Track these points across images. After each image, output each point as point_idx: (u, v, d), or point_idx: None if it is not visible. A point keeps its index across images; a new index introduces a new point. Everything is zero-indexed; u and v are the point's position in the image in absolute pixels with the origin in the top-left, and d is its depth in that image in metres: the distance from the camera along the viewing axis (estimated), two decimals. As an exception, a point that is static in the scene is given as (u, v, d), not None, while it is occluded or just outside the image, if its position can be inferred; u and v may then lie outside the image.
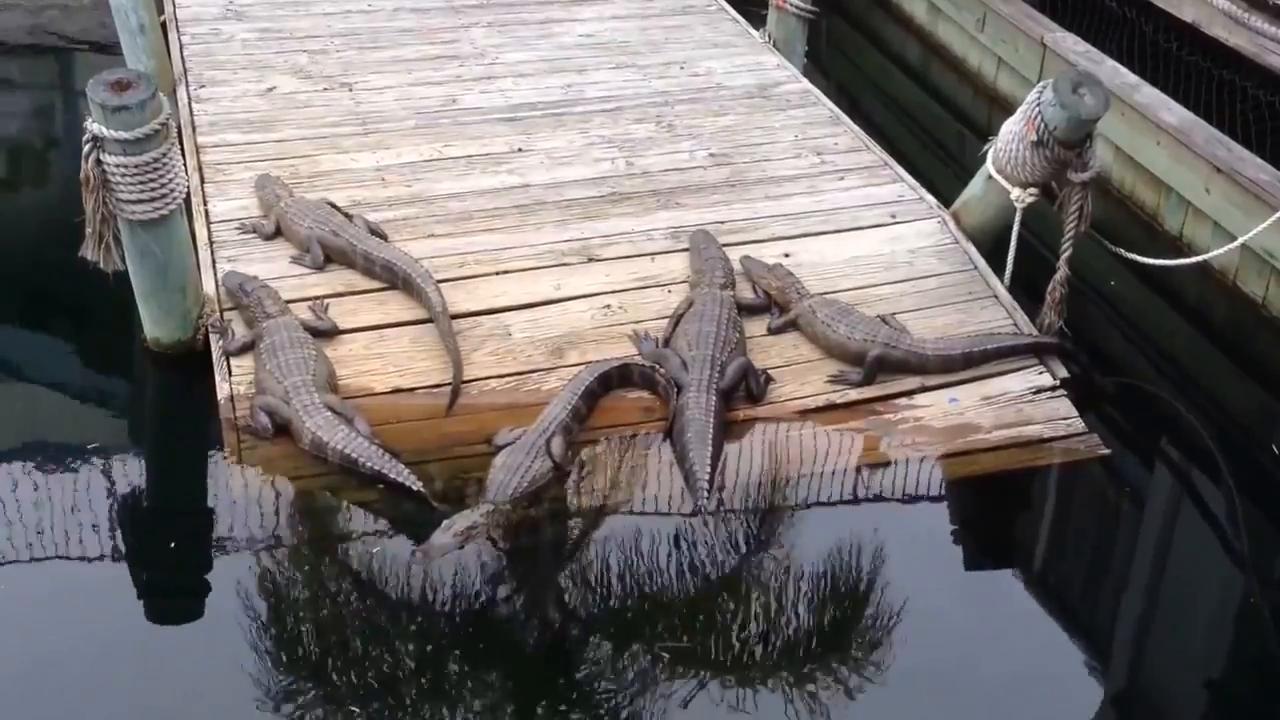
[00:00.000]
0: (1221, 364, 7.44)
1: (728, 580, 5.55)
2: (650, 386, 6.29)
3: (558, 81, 9.02)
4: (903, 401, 6.37)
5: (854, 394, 6.36)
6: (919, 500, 6.04)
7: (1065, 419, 6.33)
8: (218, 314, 6.50)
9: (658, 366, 6.27)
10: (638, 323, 6.69)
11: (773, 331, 6.70)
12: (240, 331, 6.39)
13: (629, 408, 6.25)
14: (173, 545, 5.72)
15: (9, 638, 5.14)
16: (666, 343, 6.44)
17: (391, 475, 5.65)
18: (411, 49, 9.40)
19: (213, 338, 6.39)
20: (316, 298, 6.66)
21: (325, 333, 6.41)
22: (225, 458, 5.88)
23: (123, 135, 5.81)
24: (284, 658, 5.09)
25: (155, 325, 6.48)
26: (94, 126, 5.82)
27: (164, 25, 9.30)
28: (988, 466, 6.11)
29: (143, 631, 5.30)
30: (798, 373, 6.48)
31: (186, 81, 8.74)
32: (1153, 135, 8.18)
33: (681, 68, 9.33)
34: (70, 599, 5.36)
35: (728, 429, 6.07)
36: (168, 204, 6.07)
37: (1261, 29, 7.94)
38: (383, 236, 7.04)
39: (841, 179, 8.00)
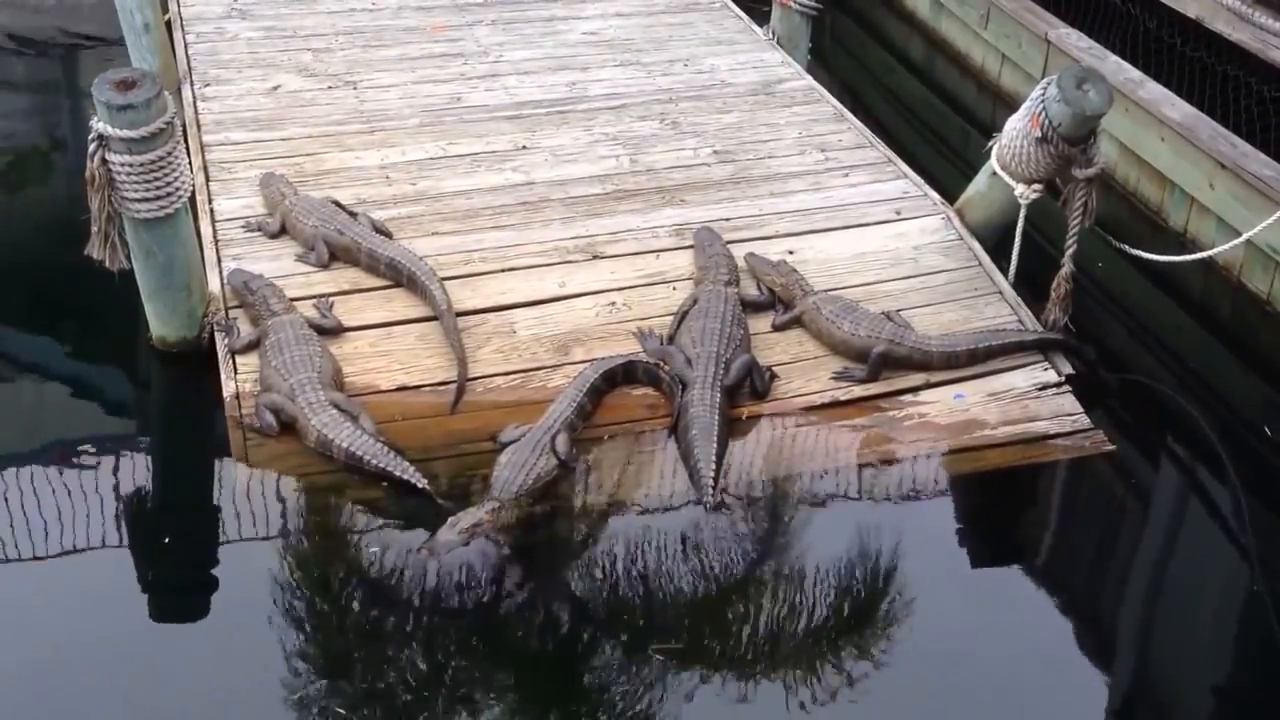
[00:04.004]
0: (1226, 359, 7.44)
1: (733, 576, 5.56)
2: (655, 383, 6.30)
3: (562, 79, 9.03)
4: (908, 398, 6.38)
5: (859, 390, 6.37)
6: (924, 496, 6.04)
7: (1070, 415, 6.34)
8: (223, 312, 6.51)
9: (662, 363, 6.28)
10: (642, 320, 6.70)
11: (777, 328, 6.70)
12: (245, 329, 6.40)
13: (634, 404, 6.25)
14: (178, 543, 5.72)
15: (16, 634, 5.15)
16: (671, 339, 6.45)
17: (397, 472, 5.66)
18: (416, 47, 9.41)
19: (218, 336, 6.40)
20: (322, 295, 6.67)
21: (330, 330, 6.42)
22: (231, 455, 5.89)
23: (128, 134, 5.82)
24: (289, 655, 5.09)
25: (161, 323, 6.49)
26: (99, 125, 5.83)
27: (168, 24, 9.30)
28: (993, 462, 6.11)
29: (148, 628, 5.31)
30: (802, 369, 6.48)
31: (191, 80, 8.75)
32: (1156, 131, 8.18)
33: (685, 65, 9.34)
34: (76, 596, 5.38)
35: (732, 426, 6.07)
36: (173, 202, 6.08)
37: (1265, 24, 7.94)
38: (387, 234, 7.05)
39: (846, 175, 8.00)
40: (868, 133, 8.52)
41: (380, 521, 5.70)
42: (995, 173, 7.03)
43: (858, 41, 11.76)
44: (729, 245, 7.05)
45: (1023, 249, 7.01)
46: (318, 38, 9.48)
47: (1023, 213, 6.91)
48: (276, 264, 6.87)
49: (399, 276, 6.73)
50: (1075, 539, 6.21)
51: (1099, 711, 5.21)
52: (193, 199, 6.52)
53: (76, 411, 6.61)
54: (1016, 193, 6.87)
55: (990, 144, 7.06)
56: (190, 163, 6.40)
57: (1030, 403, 6.39)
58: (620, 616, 5.38)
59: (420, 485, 5.64)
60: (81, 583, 5.46)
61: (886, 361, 6.40)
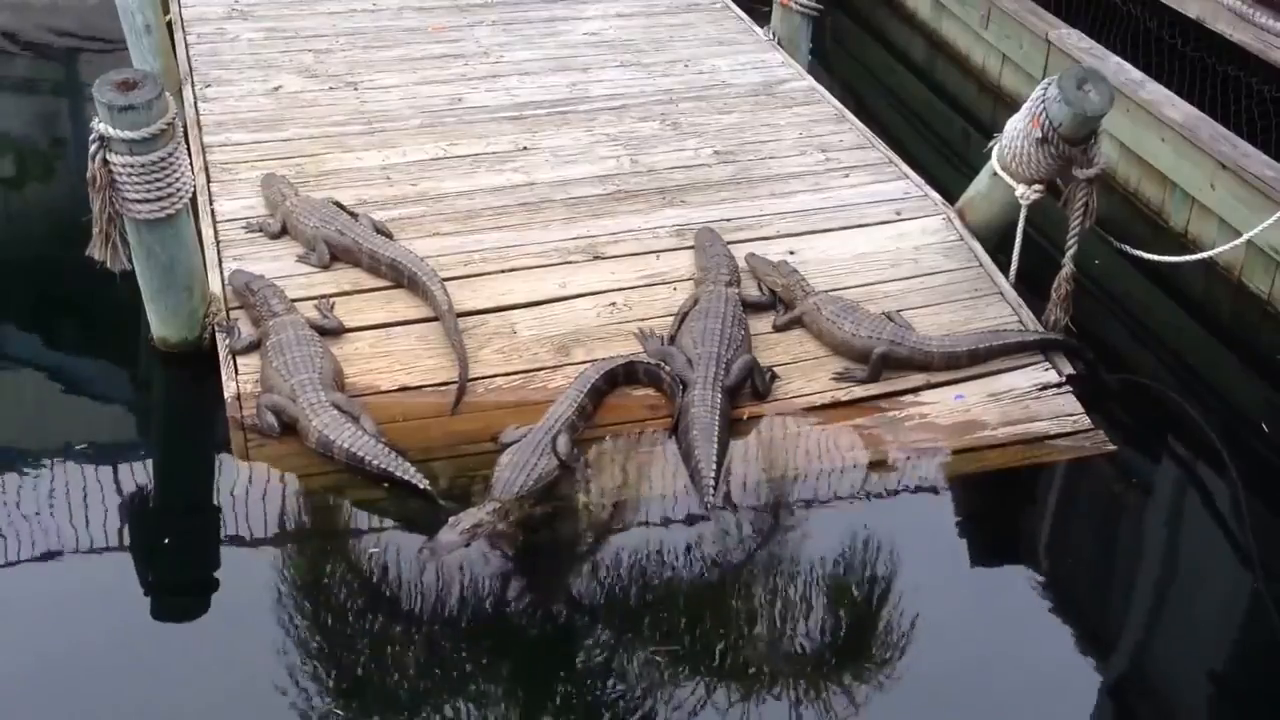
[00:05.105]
0: (1227, 360, 7.44)
1: (733, 577, 5.56)
2: (656, 384, 6.30)
3: (563, 80, 9.03)
4: (908, 399, 6.38)
5: (859, 391, 6.37)
6: (925, 497, 6.04)
7: (1071, 415, 6.34)
8: (224, 313, 6.51)
9: (663, 364, 6.28)
10: (643, 320, 6.70)
11: (778, 329, 6.71)
12: (247, 330, 6.40)
13: (634, 405, 6.25)
14: (179, 543, 5.72)
15: (17, 634, 5.16)
16: (672, 340, 6.45)
17: (398, 473, 5.66)
18: (417, 48, 9.41)
19: (219, 337, 6.40)
20: (323, 296, 6.67)
21: (331, 331, 6.43)
22: (232, 456, 5.89)
23: (129, 135, 5.83)
24: (290, 656, 5.09)
25: (162, 324, 6.49)
26: (100, 126, 5.84)
27: (169, 25, 9.31)
28: (994, 463, 6.11)
29: (149, 629, 5.31)
30: (803, 370, 6.49)
31: (192, 81, 8.75)
32: (1157, 131, 8.18)
33: (686, 65, 9.34)
34: (78, 597, 5.38)
35: (733, 426, 6.07)
36: (174, 203, 6.08)
37: (1266, 25, 7.94)
38: (388, 235, 7.05)
39: (846, 176, 8.01)
40: (868, 133, 8.52)
41: (381, 522, 5.70)
42: (996, 173, 7.03)
43: (859, 42, 11.76)
44: (730, 246, 7.05)
45: (1023, 249, 7.01)
46: (319, 38, 9.48)
47: (1023, 213, 6.91)
48: (277, 265, 6.87)
49: (400, 277, 6.73)
50: (1076, 539, 6.21)
51: (1101, 712, 5.21)
52: (194, 200, 6.52)
53: (78, 413, 6.61)
54: (1017, 193, 6.87)
55: (991, 144, 7.06)
56: (191, 164, 6.40)
57: (1031, 403, 6.39)
58: (620, 617, 5.38)
59: (421, 486, 5.64)
60: (83, 583, 5.46)
61: (887, 362, 6.40)
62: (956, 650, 5.25)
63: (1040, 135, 6.59)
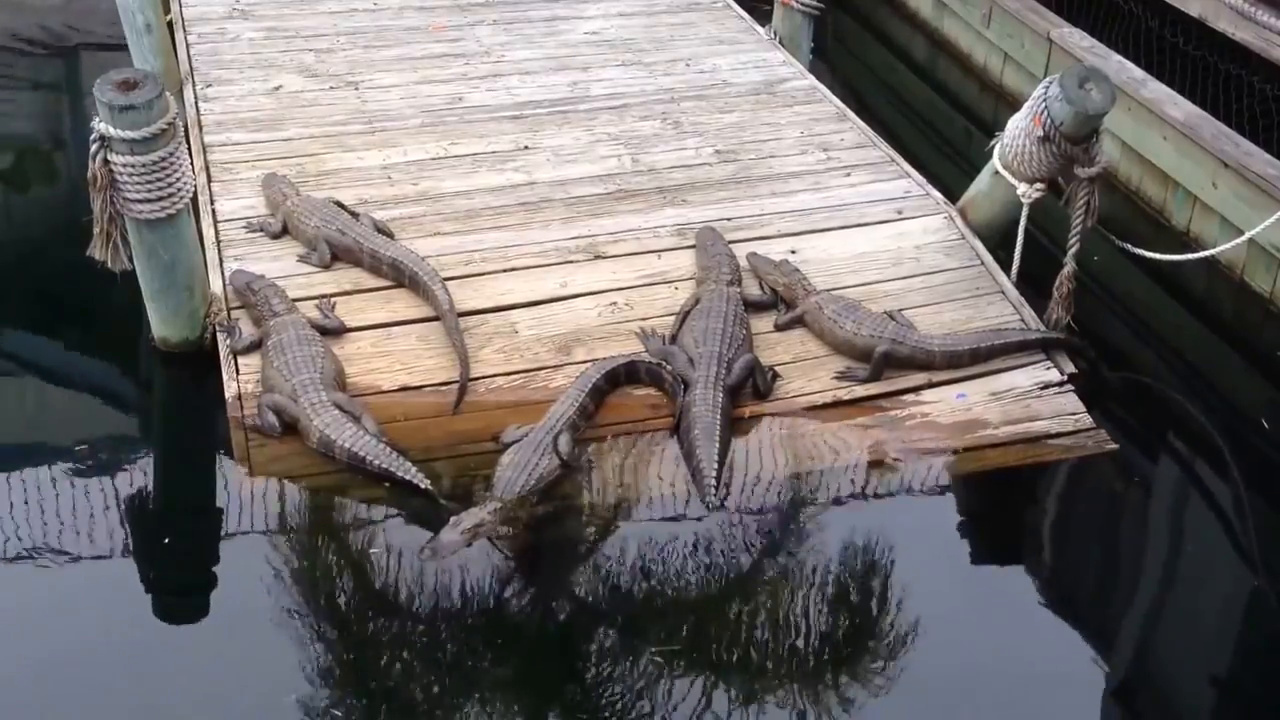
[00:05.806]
0: (1229, 358, 7.44)
1: (735, 576, 5.56)
2: (657, 383, 6.29)
3: (563, 79, 9.03)
4: (910, 398, 6.37)
5: (861, 390, 6.36)
6: (926, 496, 6.04)
7: (1073, 414, 6.33)
8: (225, 313, 6.51)
9: (664, 363, 6.27)
10: (644, 320, 6.69)
11: (779, 328, 6.70)
12: (248, 330, 6.40)
13: (636, 405, 6.25)
14: (180, 543, 5.72)
15: (17, 635, 5.16)
16: (673, 339, 6.45)
17: (399, 473, 5.66)
18: (417, 47, 9.41)
19: (220, 336, 6.40)
20: (324, 296, 6.67)
21: (333, 331, 6.42)
22: (233, 456, 5.88)
23: (130, 135, 5.82)
24: (290, 656, 5.08)
25: (163, 324, 6.49)
26: (101, 126, 5.83)
27: (170, 25, 9.31)
28: (995, 462, 6.10)
29: (150, 629, 5.31)
30: (805, 369, 6.48)
31: (193, 81, 8.75)
32: (1159, 130, 8.17)
33: (687, 65, 9.33)
34: (78, 597, 5.38)
35: (735, 425, 6.07)
36: (175, 203, 6.08)
37: (1268, 23, 7.93)
38: (389, 234, 7.05)
39: (848, 175, 8.00)
40: (870, 132, 8.51)
41: (382, 522, 5.70)
42: (998, 172, 7.02)
43: (860, 41, 11.76)
44: (731, 245, 7.04)
45: (1025, 248, 7.00)
46: (319, 38, 9.48)
47: (1025, 212, 6.91)
48: (278, 264, 6.87)
49: (401, 277, 6.73)
50: (1078, 538, 6.20)
51: (1102, 711, 5.21)
52: (194, 200, 6.51)
53: (78, 413, 6.61)
54: (1019, 192, 6.87)
55: (992, 143, 7.06)
56: (192, 163, 6.39)
57: (1032, 402, 6.38)
58: (621, 617, 5.38)
59: (422, 486, 5.64)
60: (83, 584, 5.46)
61: (889, 361, 6.40)
62: (957, 649, 5.25)
63: (1042, 134, 6.59)
